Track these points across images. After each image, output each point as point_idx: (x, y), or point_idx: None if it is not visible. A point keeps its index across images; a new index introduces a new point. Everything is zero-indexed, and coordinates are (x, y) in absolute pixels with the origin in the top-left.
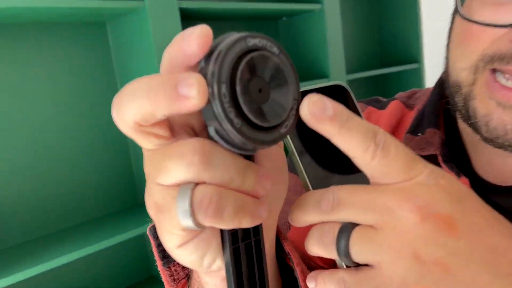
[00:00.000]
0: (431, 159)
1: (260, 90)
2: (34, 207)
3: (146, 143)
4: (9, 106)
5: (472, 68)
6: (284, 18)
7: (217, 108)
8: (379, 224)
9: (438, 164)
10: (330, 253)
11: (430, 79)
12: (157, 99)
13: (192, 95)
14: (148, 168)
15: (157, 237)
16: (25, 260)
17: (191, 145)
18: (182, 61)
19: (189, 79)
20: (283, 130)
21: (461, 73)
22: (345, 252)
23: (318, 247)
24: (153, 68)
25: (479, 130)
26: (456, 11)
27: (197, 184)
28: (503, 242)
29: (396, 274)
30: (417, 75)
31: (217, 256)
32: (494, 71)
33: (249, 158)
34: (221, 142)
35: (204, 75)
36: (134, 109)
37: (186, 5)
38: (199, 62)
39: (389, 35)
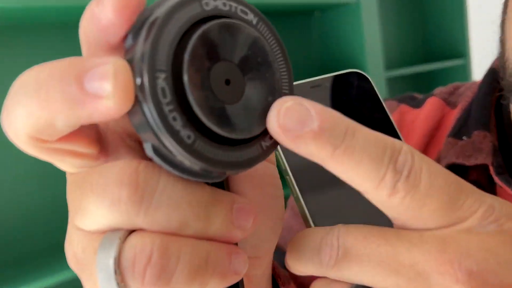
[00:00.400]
0: (481, 170)
1: (226, 82)
2: (38, 224)
3: (63, 165)
4: None
5: None
6: (317, 13)
7: (151, 113)
8: None
9: (489, 176)
10: None
11: (478, 76)
12: (51, 100)
13: (106, 93)
14: (68, 200)
15: None
16: (37, 271)
17: (117, 172)
18: (98, 37)
19: (101, 67)
20: (266, 142)
21: None
22: None
23: None
24: None
25: None
26: None
27: (130, 231)
28: None
29: None
30: (464, 72)
31: None
32: None
33: (218, 184)
34: (165, 165)
35: (130, 60)
36: (22, 116)
37: None
38: (125, 39)
39: (433, 28)
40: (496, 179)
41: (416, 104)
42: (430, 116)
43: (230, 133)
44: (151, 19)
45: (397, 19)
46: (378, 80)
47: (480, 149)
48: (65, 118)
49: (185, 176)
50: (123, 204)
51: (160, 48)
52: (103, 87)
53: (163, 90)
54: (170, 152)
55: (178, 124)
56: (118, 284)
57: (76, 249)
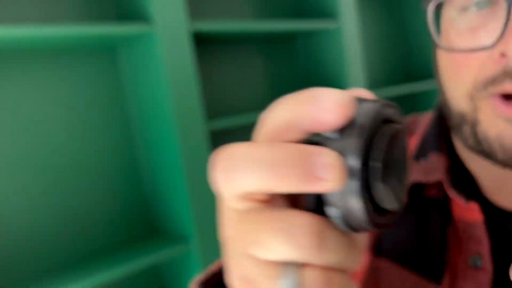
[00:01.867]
0: (437, 186)
1: (394, 171)
2: (45, 236)
3: (238, 204)
4: (19, 135)
5: (469, 97)
6: (300, 39)
7: (356, 192)
8: None
9: (444, 191)
10: None
11: None
12: (284, 177)
13: (330, 178)
14: (234, 231)
15: None
16: None
17: (304, 225)
18: (306, 126)
19: (326, 158)
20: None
21: (461, 103)
22: None
23: None
24: (162, 94)
25: (494, 154)
26: (436, 45)
27: (301, 264)
28: None
29: None
30: None
31: None
32: (503, 96)
33: None
34: (341, 225)
35: (341, 151)
36: (251, 182)
37: (198, 26)
38: (316, 133)
39: (414, 48)
40: (450, 192)
41: None
42: None
43: (396, 209)
44: (357, 124)
45: (379, 41)
46: None
47: (437, 168)
48: (289, 189)
49: (348, 231)
50: (307, 248)
51: (376, 146)
52: (329, 174)
53: (375, 175)
54: (355, 218)
55: (367, 201)
56: None
57: (246, 272)
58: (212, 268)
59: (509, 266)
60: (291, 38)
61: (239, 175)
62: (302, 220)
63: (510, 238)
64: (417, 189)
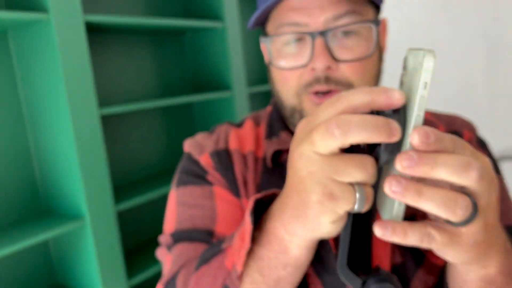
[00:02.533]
0: (287, 151)
1: None
2: None
3: (326, 150)
4: None
5: (297, 96)
6: (189, 34)
7: (395, 148)
8: None
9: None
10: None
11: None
12: (381, 133)
13: (396, 134)
14: (318, 167)
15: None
16: None
17: (370, 162)
18: (376, 106)
19: (395, 124)
20: None
21: (292, 100)
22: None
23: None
24: (58, 80)
25: None
26: (270, 63)
27: (364, 184)
28: None
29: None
30: None
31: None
32: (316, 93)
33: None
34: (383, 162)
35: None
36: (360, 137)
37: (91, 18)
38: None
39: None
40: None
41: (239, 125)
42: (252, 130)
43: None
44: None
45: (257, 43)
46: (241, 95)
47: (288, 141)
48: (379, 140)
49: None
50: (370, 175)
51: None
52: (397, 132)
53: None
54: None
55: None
56: (362, 206)
57: (332, 190)
58: (267, 193)
59: None
60: (180, 34)
61: (353, 133)
62: (369, 160)
63: None
64: (277, 155)
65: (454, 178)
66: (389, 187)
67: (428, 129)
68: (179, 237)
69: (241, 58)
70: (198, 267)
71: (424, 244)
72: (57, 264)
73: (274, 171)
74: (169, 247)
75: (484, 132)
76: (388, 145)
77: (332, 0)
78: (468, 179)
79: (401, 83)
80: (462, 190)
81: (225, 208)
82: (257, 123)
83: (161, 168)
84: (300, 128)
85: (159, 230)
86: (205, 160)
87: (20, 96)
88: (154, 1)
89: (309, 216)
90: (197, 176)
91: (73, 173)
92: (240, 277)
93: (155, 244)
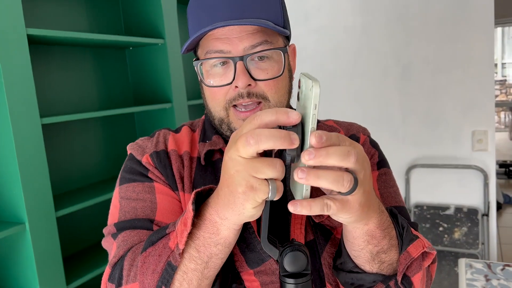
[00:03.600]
0: (219, 151)
1: None
2: None
3: (247, 154)
4: None
5: (224, 109)
6: (131, 48)
7: (298, 150)
8: None
9: (222, 154)
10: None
11: None
12: (283, 142)
13: (295, 143)
14: (241, 167)
15: (196, 206)
16: None
17: (279, 163)
18: (281, 123)
19: (295, 135)
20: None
21: (220, 113)
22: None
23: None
24: None
25: None
26: (201, 82)
27: (275, 179)
28: None
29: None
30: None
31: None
32: (235, 106)
33: None
34: (287, 162)
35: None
36: (269, 145)
37: (33, 32)
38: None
39: None
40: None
41: (176, 131)
42: (186, 136)
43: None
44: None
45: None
46: (182, 108)
47: (219, 143)
48: (282, 147)
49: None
50: (279, 172)
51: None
52: (296, 141)
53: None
54: (293, 160)
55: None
56: (274, 195)
57: (252, 183)
58: (205, 188)
59: None
60: (122, 48)
61: (263, 142)
62: (279, 162)
63: None
64: (209, 154)
65: (340, 162)
66: (297, 175)
67: (320, 132)
68: (123, 226)
69: (181, 73)
70: (145, 249)
71: (324, 212)
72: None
73: (207, 168)
74: (114, 236)
75: (397, 143)
76: (291, 150)
77: (249, 32)
78: (349, 162)
79: (298, 99)
80: (346, 169)
81: (164, 200)
82: (192, 129)
83: (101, 175)
84: (231, 138)
85: (97, 236)
86: (146, 160)
87: None
88: (98, 18)
89: (236, 203)
90: (139, 174)
91: (14, 180)
92: (182, 254)
93: (93, 250)
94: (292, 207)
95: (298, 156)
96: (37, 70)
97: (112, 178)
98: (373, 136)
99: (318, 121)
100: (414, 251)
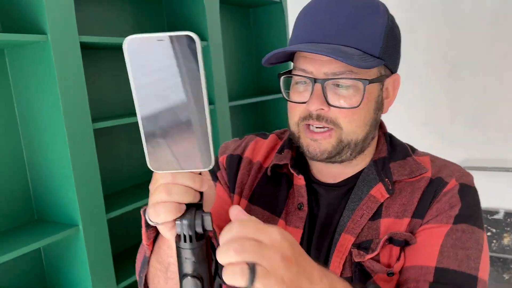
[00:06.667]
0: (286, 166)
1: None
2: None
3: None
4: None
5: (296, 124)
6: None
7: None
8: None
9: (289, 169)
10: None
11: None
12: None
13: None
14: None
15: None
16: None
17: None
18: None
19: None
20: None
21: (293, 127)
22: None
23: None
24: (54, 96)
25: (306, 154)
26: (285, 94)
27: None
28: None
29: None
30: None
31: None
32: (308, 125)
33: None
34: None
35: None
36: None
37: (86, 39)
38: None
39: (264, 67)
40: (291, 169)
41: (265, 137)
42: (270, 144)
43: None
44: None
45: (238, 59)
46: (223, 108)
47: (287, 157)
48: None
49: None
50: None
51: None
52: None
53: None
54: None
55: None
56: None
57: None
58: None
59: (316, 208)
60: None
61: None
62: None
63: (316, 194)
64: (275, 168)
65: (232, 258)
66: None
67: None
68: None
69: (223, 74)
70: (141, 240)
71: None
72: (49, 271)
73: (270, 180)
74: None
75: (444, 145)
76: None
77: (334, 60)
78: (229, 257)
79: None
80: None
81: (217, 203)
82: (280, 137)
83: (147, 177)
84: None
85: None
86: (222, 160)
87: (16, 111)
88: (143, 21)
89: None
90: (212, 171)
91: (68, 184)
92: (149, 253)
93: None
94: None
95: None
96: (87, 75)
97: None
98: (418, 139)
99: (414, 150)
100: None
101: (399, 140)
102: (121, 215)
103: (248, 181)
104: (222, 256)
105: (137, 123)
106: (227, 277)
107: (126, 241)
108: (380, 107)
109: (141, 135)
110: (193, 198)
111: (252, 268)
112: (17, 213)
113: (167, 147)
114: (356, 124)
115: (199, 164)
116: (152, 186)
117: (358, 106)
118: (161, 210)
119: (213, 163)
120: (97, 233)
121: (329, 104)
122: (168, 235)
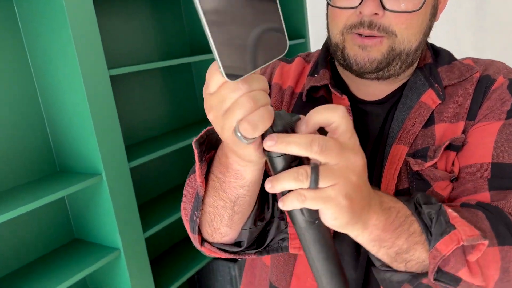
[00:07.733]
0: (324, 88)
1: None
2: None
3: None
4: None
5: (341, 34)
6: None
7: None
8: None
9: (328, 91)
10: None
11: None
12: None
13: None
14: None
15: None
16: None
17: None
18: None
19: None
20: None
21: (336, 37)
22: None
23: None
24: (68, 42)
25: (351, 67)
26: (328, 3)
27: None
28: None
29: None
30: (304, 48)
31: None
32: (358, 34)
33: None
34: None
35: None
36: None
37: None
38: None
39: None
40: (332, 89)
41: (289, 61)
42: (297, 67)
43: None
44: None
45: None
46: None
47: (324, 77)
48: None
49: None
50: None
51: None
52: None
53: None
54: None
55: None
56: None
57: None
58: (204, 132)
59: (362, 128)
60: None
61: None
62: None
63: (362, 113)
64: (312, 90)
65: (300, 151)
66: (265, 144)
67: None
68: None
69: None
70: (188, 176)
71: (299, 203)
72: (75, 221)
73: (306, 106)
74: None
75: None
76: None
77: None
78: (312, 152)
79: None
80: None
81: None
82: (307, 60)
83: (165, 127)
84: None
85: (167, 185)
86: None
87: (28, 60)
88: None
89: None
90: None
91: (88, 133)
92: (203, 186)
93: (164, 198)
94: (268, 184)
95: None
96: (100, 21)
97: (172, 130)
98: None
99: (454, 59)
100: (444, 248)
101: (439, 47)
102: (142, 165)
103: (282, 109)
104: (302, 146)
105: (149, 71)
106: (288, 177)
107: (150, 191)
108: (435, 13)
109: (211, 42)
110: (269, 100)
111: (314, 168)
112: (39, 165)
113: (241, 45)
114: (413, 32)
115: (275, 52)
116: (219, 108)
117: (419, 9)
118: (256, 119)
119: (288, 44)
120: (120, 181)
121: (384, 8)
122: (255, 155)
